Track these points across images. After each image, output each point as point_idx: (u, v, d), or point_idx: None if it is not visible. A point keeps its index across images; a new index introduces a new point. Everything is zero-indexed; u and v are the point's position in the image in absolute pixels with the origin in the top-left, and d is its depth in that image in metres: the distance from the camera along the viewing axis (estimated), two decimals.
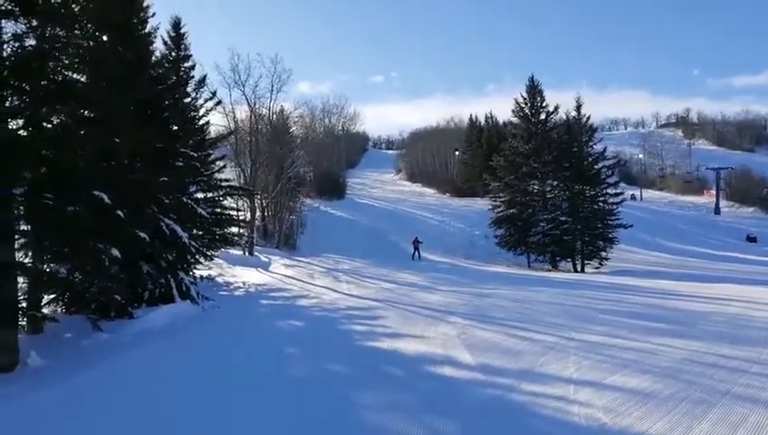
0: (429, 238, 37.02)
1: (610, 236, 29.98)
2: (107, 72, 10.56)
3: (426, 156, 72.57)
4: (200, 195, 19.09)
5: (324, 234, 36.97)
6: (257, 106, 31.61)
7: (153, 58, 14.93)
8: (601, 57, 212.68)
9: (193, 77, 20.21)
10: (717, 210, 61.86)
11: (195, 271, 15.82)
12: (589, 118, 31.27)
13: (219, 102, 23.56)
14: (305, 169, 46.74)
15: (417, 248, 30.66)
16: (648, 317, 11.64)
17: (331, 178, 55.04)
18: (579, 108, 30.93)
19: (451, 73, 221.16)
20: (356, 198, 53.89)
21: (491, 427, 5.00)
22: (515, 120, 33.62)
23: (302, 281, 18.59)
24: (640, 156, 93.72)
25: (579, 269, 29.35)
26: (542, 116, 32.26)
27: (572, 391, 5.90)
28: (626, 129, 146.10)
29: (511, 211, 31.90)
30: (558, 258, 30.43)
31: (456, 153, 64.32)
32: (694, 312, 12.60)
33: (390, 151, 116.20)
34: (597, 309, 12.81)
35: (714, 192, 66.07)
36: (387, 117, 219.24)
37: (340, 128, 66.76)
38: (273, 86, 31.50)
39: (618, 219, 30.23)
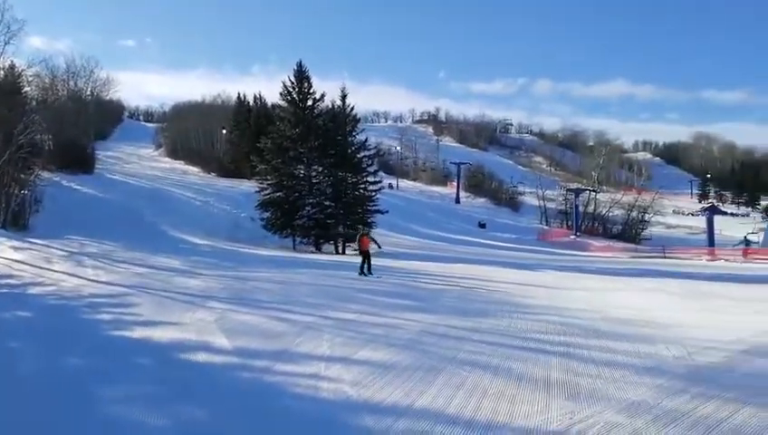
0: (192, 220, 35.31)
1: (370, 220, 32.11)
2: None
3: (190, 132, 68.78)
4: None
5: (67, 213, 32.60)
6: None
7: None
8: (363, 50, 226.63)
9: None
10: (458, 200, 70.53)
11: None
12: (353, 108, 33.00)
13: None
14: (43, 136, 40.43)
15: (367, 255, 16.91)
16: (397, 295, 12.79)
17: (77, 150, 48.35)
18: (344, 98, 32.42)
19: (214, 48, 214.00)
20: (107, 174, 48.58)
21: (242, 410, 4.97)
22: (283, 103, 33.78)
23: (36, 266, 16.16)
24: (398, 148, 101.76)
25: (340, 251, 30.88)
26: (310, 102, 32.96)
27: (324, 368, 6.18)
28: (386, 122, 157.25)
29: (277, 194, 32.09)
30: (322, 241, 31.58)
31: (224, 132, 62.22)
32: (434, 289, 14.19)
33: (150, 124, 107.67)
34: (353, 289, 13.61)
35: (455, 184, 75.27)
36: (145, 87, 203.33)
37: (88, 93, 59.24)
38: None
39: (376, 205, 32.52)
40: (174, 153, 69.95)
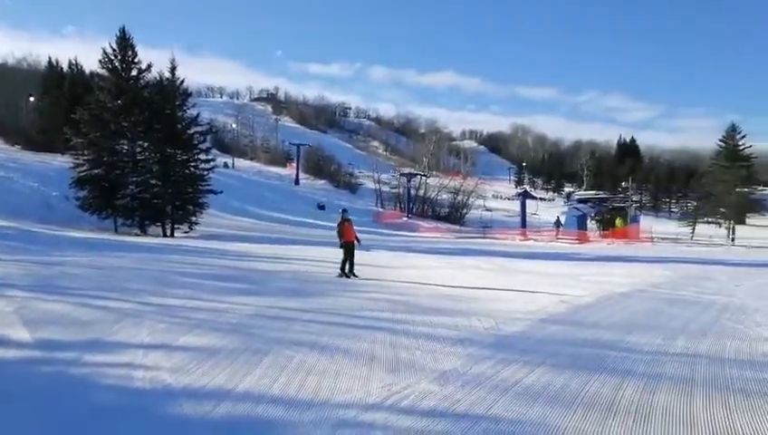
0: None
1: (201, 201, 30.68)
2: None
3: None
4: None
5: None
6: None
7: None
8: (194, 20, 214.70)
9: None
10: (297, 181, 70.15)
11: None
12: (183, 81, 31.07)
13: None
14: None
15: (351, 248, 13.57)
16: (228, 278, 12.42)
17: None
18: (173, 70, 30.40)
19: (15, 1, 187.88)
20: None
21: (39, 408, 4.46)
22: (103, 71, 30.73)
23: None
24: (234, 126, 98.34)
25: (168, 234, 29.14)
26: (134, 72, 30.42)
27: (141, 356, 5.80)
28: (222, 97, 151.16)
29: (96, 171, 29.23)
30: (147, 223, 29.52)
31: (31, 99, 54.97)
32: (267, 271, 14.03)
33: None
34: (180, 273, 12.97)
35: (294, 165, 74.80)
36: None
37: None
38: None
39: (208, 185, 31.11)
40: None
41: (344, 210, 15.05)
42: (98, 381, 5.08)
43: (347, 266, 13.35)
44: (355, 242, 13.63)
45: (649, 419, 4.31)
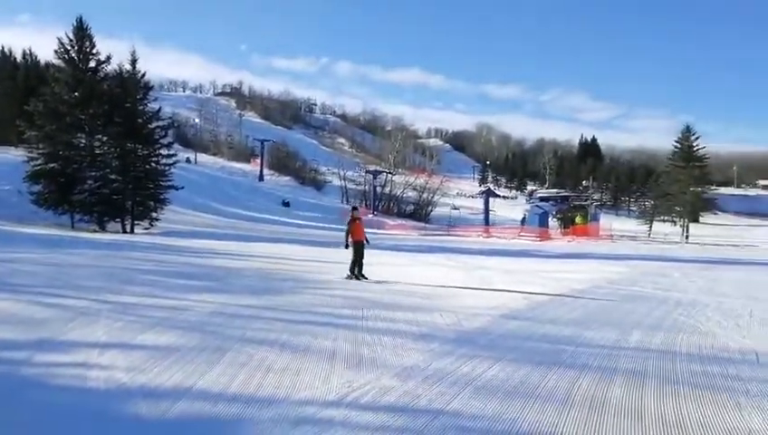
0: None
1: (162, 197, 30.10)
2: None
3: None
4: None
5: None
6: None
7: None
8: (155, 11, 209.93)
9: None
10: (261, 178, 69.46)
11: None
12: (144, 74, 30.39)
13: None
14: None
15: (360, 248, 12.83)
16: (188, 275, 12.23)
17: None
18: (134, 62, 29.73)
19: None
20: None
21: None
22: (59, 62, 29.80)
23: None
24: (197, 120, 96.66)
25: (128, 230, 28.50)
26: (92, 64, 29.62)
27: (96, 356, 5.64)
28: (184, 91, 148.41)
29: (51, 165, 28.34)
30: (106, 219, 28.79)
31: None
32: (229, 268, 13.85)
33: None
34: (139, 270, 12.69)
35: (259, 161, 74.02)
36: None
37: None
38: None
39: (170, 181, 30.54)
40: None
41: (355, 208, 14.30)
42: (49, 382, 4.93)
43: (356, 268, 12.64)
44: (364, 242, 12.95)
45: (604, 410, 4.42)
